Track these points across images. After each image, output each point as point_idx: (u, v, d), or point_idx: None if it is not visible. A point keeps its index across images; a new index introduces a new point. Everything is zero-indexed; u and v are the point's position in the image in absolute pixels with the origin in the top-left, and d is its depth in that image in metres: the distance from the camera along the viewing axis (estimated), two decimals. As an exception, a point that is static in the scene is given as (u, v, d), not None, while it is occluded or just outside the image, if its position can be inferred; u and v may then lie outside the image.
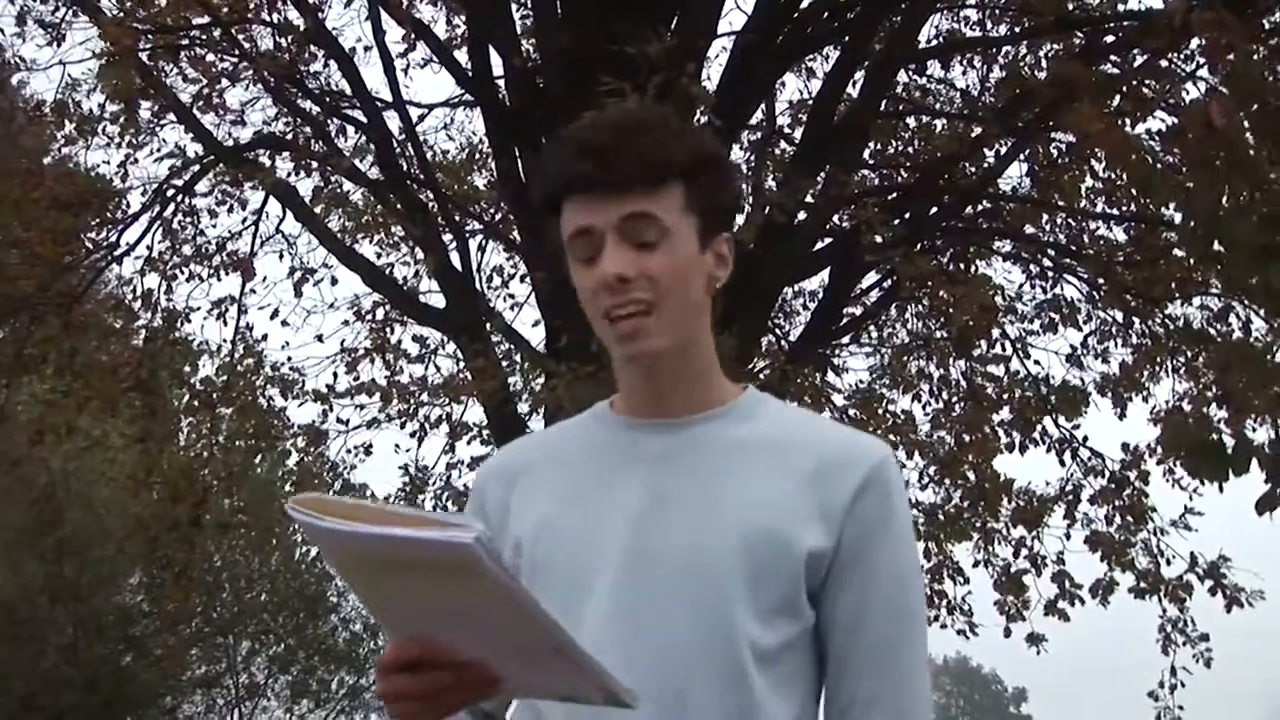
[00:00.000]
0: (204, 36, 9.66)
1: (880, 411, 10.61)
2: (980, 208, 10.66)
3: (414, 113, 10.63)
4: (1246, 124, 4.79)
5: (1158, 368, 10.94)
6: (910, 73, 10.76)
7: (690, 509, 1.73)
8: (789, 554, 1.70)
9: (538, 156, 1.79)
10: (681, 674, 1.65)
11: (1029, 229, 10.87)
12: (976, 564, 11.06)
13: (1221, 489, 5.16)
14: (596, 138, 1.71)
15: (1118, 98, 8.84)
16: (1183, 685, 10.31)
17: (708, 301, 1.81)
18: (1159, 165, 7.99)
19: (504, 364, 9.00)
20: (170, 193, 10.50)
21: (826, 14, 9.28)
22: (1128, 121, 8.69)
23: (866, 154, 10.49)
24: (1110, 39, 9.23)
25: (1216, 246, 4.90)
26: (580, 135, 1.73)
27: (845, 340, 11.24)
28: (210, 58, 9.75)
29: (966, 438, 10.62)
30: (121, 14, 9.36)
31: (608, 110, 1.82)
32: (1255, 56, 5.83)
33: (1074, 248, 10.77)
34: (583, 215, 1.72)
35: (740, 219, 9.28)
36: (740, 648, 1.67)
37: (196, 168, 10.41)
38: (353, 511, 1.34)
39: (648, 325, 1.72)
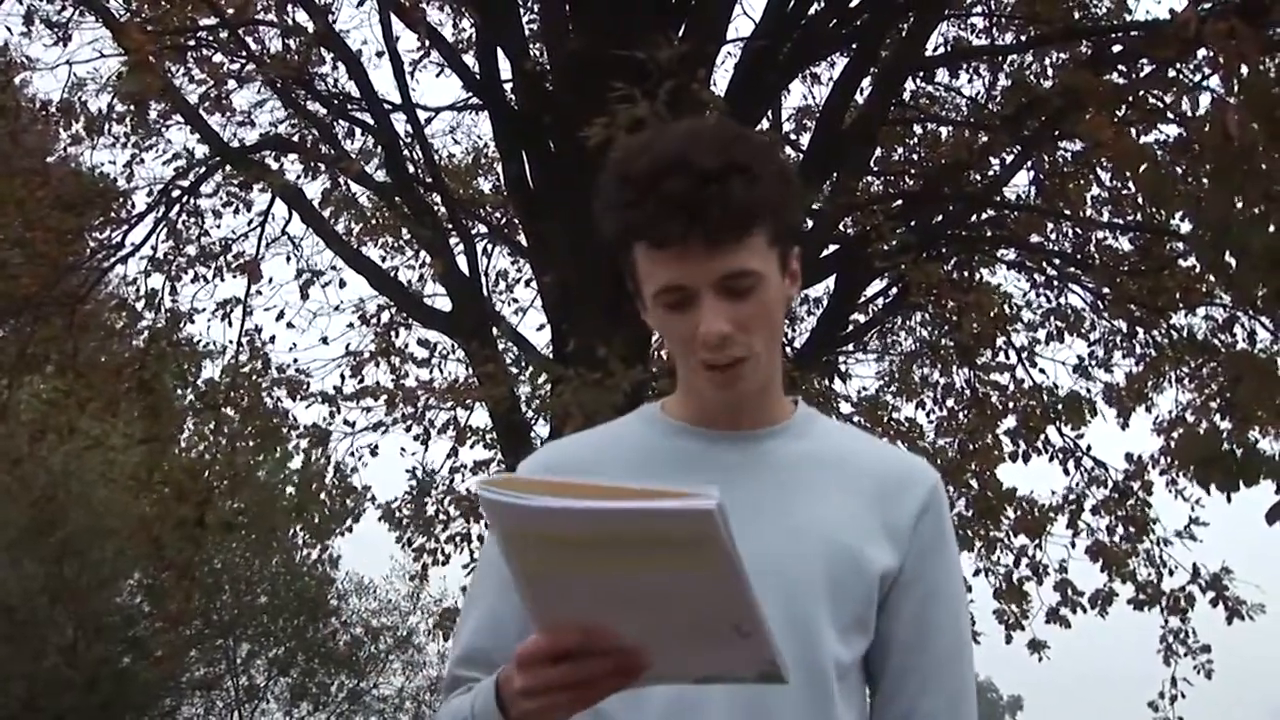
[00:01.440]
0: (211, 38, 9.66)
1: (886, 419, 10.61)
2: (986, 216, 10.65)
3: (421, 115, 10.64)
4: (1259, 134, 4.79)
5: (1162, 378, 10.95)
6: (918, 80, 10.77)
7: (774, 522, 1.72)
8: (865, 571, 1.72)
9: (599, 186, 1.72)
10: (771, 689, 1.59)
11: (1034, 238, 10.87)
12: (977, 572, 11.05)
13: (1230, 499, 5.17)
14: (681, 188, 1.58)
15: (1125, 107, 8.84)
16: (1183, 696, 10.30)
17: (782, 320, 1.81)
18: (1167, 175, 7.97)
19: (517, 372, 8.99)
20: (175, 193, 10.51)
21: (835, 21, 9.27)
22: (1135, 131, 8.69)
23: (873, 161, 10.49)
24: (1117, 48, 9.24)
25: (1227, 256, 4.91)
26: (658, 184, 1.61)
27: (850, 347, 11.23)
28: (218, 59, 9.74)
29: (971, 446, 10.62)
30: (128, 14, 9.37)
31: (663, 137, 1.71)
32: (1263, 67, 5.82)
33: (1079, 257, 10.77)
34: (674, 272, 1.64)
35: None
36: (826, 661, 1.68)
37: (202, 169, 10.41)
38: (551, 488, 1.29)
39: (743, 372, 1.69)
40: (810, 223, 8.38)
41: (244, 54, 9.61)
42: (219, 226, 11.02)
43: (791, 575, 1.69)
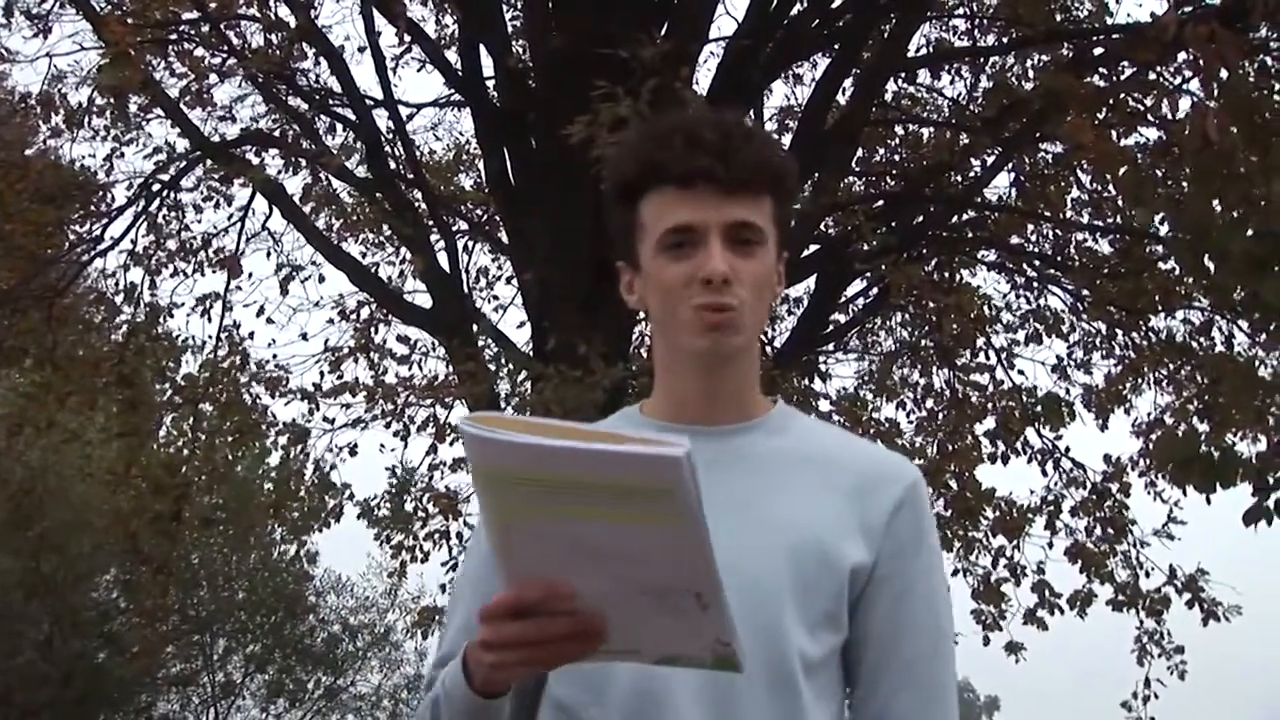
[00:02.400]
0: (193, 31, 9.62)
1: (865, 419, 10.62)
2: (967, 217, 10.68)
3: (403, 112, 10.62)
4: (1239, 138, 4.81)
5: (1140, 380, 10.99)
6: (899, 81, 10.78)
7: (739, 519, 1.73)
8: (834, 567, 1.73)
9: (621, 144, 1.77)
10: (735, 683, 1.64)
11: (1015, 239, 10.90)
12: (955, 573, 11.07)
13: (1209, 500, 5.20)
14: (709, 134, 1.71)
15: (1106, 110, 8.87)
16: (1156, 697, 10.34)
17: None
18: (1147, 177, 8.01)
19: (490, 366, 8.97)
20: (156, 187, 10.47)
21: (817, 21, 9.28)
22: (1116, 134, 8.72)
23: (855, 161, 10.50)
24: (1099, 51, 9.26)
25: (1206, 260, 4.93)
26: (687, 129, 1.74)
27: (831, 347, 11.25)
28: (199, 53, 9.71)
29: (950, 446, 10.64)
30: (109, 6, 9.33)
31: (686, 112, 1.84)
32: (1243, 70, 5.86)
33: (1059, 259, 10.81)
34: (688, 211, 1.72)
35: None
36: (791, 657, 1.69)
37: (183, 163, 10.38)
38: (529, 427, 1.32)
39: (735, 322, 1.74)
40: (792, 223, 8.39)
41: (225, 48, 9.58)
42: (199, 221, 11.01)
43: (758, 570, 1.70)
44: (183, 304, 10.81)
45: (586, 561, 1.38)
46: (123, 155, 10.56)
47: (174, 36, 9.60)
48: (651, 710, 1.67)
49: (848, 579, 1.73)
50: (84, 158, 11.01)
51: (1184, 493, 5.13)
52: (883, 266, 8.35)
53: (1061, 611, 10.35)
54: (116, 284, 11.03)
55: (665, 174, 1.73)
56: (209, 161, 10.15)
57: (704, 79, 9.39)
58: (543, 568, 1.40)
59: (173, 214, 10.88)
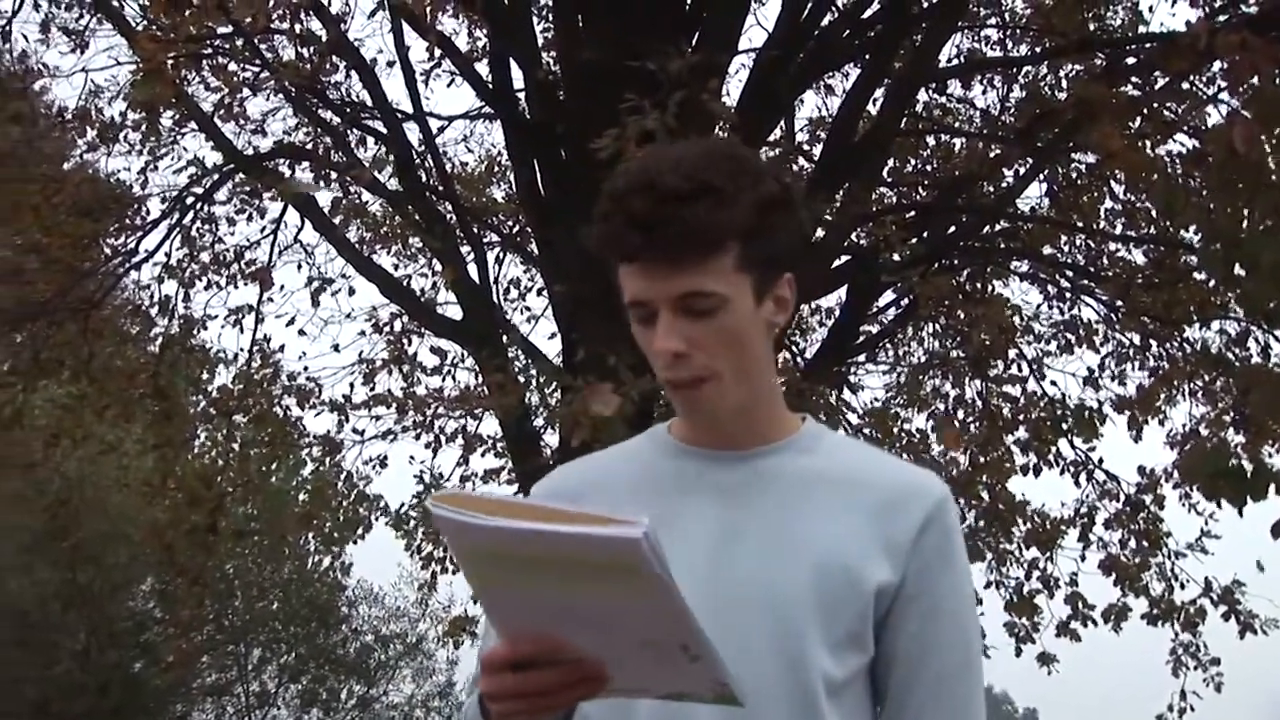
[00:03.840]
0: (227, 46, 9.69)
1: (896, 430, 10.58)
2: (999, 227, 10.64)
3: (434, 124, 10.67)
4: (1269, 147, 4.78)
5: (1175, 391, 10.91)
6: (930, 92, 10.76)
7: (763, 541, 1.74)
8: (858, 587, 1.72)
9: (604, 196, 1.75)
10: (757, 702, 1.63)
11: (1048, 249, 10.85)
12: (989, 585, 11.04)
13: (1241, 513, 5.15)
14: (643, 206, 1.63)
15: (1139, 119, 8.82)
16: (1192, 709, 10.27)
17: (770, 344, 1.81)
18: (1180, 187, 7.96)
19: (520, 378, 8.99)
20: (190, 200, 10.55)
21: (848, 32, 9.26)
22: (1149, 143, 8.68)
23: (885, 172, 10.48)
24: (1132, 60, 9.22)
25: (1238, 270, 4.90)
26: (623, 201, 1.66)
27: (862, 358, 11.22)
28: (232, 67, 9.79)
29: (981, 458, 10.59)
30: (146, 22, 9.40)
31: (659, 153, 1.74)
32: (1278, 79, 5.81)
33: (1092, 269, 10.74)
34: (637, 286, 1.69)
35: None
36: (814, 679, 1.68)
37: (216, 176, 10.45)
38: (495, 507, 1.34)
39: (705, 393, 1.73)
40: (821, 233, 8.37)
41: (258, 62, 9.65)
42: (233, 234, 11.09)
43: (780, 593, 1.70)
44: (215, 316, 10.90)
45: (573, 621, 1.40)
46: (156, 169, 10.65)
47: (208, 51, 9.68)
48: None
49: (873, 599, 1.72)
50: (119, 171, 11.13)
51: (1218, 505, 5.06)
52: (914, 278, 8.32)
53: (1095, 624, 10.29)
54: (151, 296, 11.14)
55: (606, 250, 1.71)
56: (241, 175, 10.22)
57: (736, 90, 9.41)
58: (533, 623, 1.43)
59: (206, 227, 10.97)
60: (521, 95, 9.28)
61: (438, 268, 10.42)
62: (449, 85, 10.84)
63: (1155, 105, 8.95)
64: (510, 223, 11.58)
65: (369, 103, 9.71)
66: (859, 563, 1.72)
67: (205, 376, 11.42)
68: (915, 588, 1.75)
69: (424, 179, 9.72)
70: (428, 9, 7.64)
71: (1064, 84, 10.21)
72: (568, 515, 1.32)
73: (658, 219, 1.63)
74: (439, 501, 1.35)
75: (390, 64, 10.02)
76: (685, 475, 1.82)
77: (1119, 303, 10.22)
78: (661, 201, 1.63)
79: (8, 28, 9.83)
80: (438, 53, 9.39)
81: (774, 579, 1.71)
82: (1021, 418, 10.64)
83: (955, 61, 10.81)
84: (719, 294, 1.67)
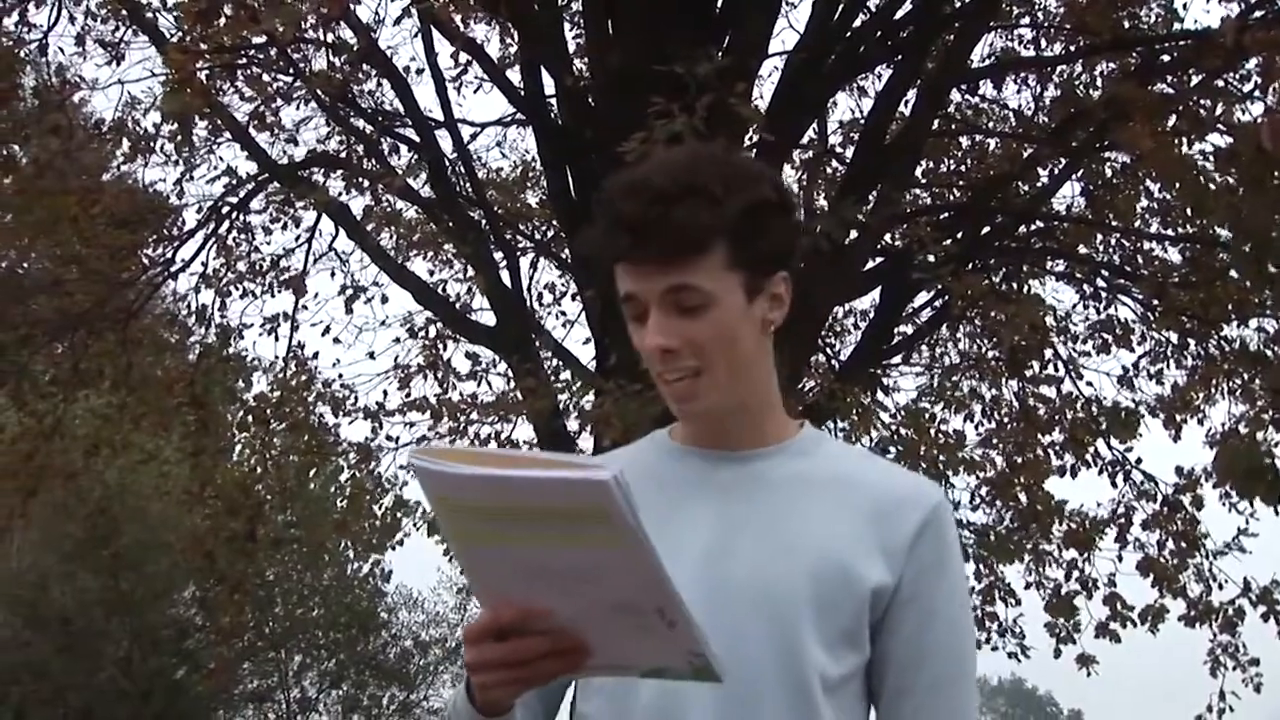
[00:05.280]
0: (260, 56, 9.75)
1: (932, 432, 10.52)
2: (1034, 227, 10.59)
3: (467, 131, 10.70)
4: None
5: (1214, 390, 10.82)
6: (963, 92, 10.71)
7: (760, 540, 1.76)
8: (855, 587, 1.73)
9: (595, 201, 1.79)
10: (754, 698, 1.67)
11: (1083, 249, 10.79)
12: (1028, 586, 10.99)
13: (1277, 512, 5.12)
14: (630, 208, 1.68)
15: (1174, 117, 8.76)
16: (1231, 710, 10.19)
17: (765, 343, 1.82)
18: (1213, 185, 7.90)
19: (553, 382, 9.01)
20: (225, 210, 10.62)
21: (880, 33, 9.24)
22: (1184, 141, 8.61)
23: (919, 173, 10.45)
24: (1166, 58, 9.15)
25: (1270, 268, 4.86)
26: (612, 204, 1.71)
27: (896, 360, 11.18)
28: (265, 77, 9.84)
29: (1018, 459, 10.54)
30: (180, 33, 9.47)
31: (654, 158, 1.79)
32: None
33: (1128, 268, 10.68)
34: (628, 283, 1.73)
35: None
36: (810, 676, 1.70)
37: (251, 185, 10.52)
38: (475, 458, 1.35)
39: (697, 388, 1.75)
40: (854, 234, 8.34)
41: (291, 71, 9.70)
42: (269, 243, 11.15)
43: (777, 590, 1.71)
44: (251, 324, 10.97)
45: (550, 583, 1.41)
46: (192, 179, 10.73)
47: (242, 61, 9.74)
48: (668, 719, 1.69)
49: (868, 600, 1.73)
50: (156, 183, 11.22)
51: (1250, 504, 5.02)
52: (948, 279, 8.29)
53: (1134, 624, 10.23)
54: (188, 306, 11.22)
55: (595, 252, 1.76)
56: (275, 184, 10.28)
57: (768, 92, 9.41)
58: (513, 590, 1.43)
59: (242, 236, 11.04)
60: (553, 101, 9.31)
61: (472, 274, 10.44)
62: (475, 91, 10.87)
63: (1189, 103, 8.89)
64: (544, 228, 11.61)
65: (401, 111, 9.75)
66: (855, 563, 1.73)
67: (241, 385, 11.49)
68: (911, 592, 1.76)
69: (456, 185, 9.75)
70: (454, 15, 7.66)
71: (1098, 83, 10.15)
72: (540, 461, 1.33)
73: (645, 220, 1.67)
74: (418, 454, 1.36)
75: (419, 71, 10.06)
76: (685, 476, 1.85)
77: (1155, 301, 10.15)
78: (650, 203, 1.68)
79: (44, 41, 9.91)
80: (464, 58, 9.41)
81: (771, 577, 1.72)
82: (1057, 419, 10.58)
83: (989, 61, 10.77)
84: (705, 290, 1.71)
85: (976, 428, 11.18)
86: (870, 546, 1.75)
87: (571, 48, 9.54)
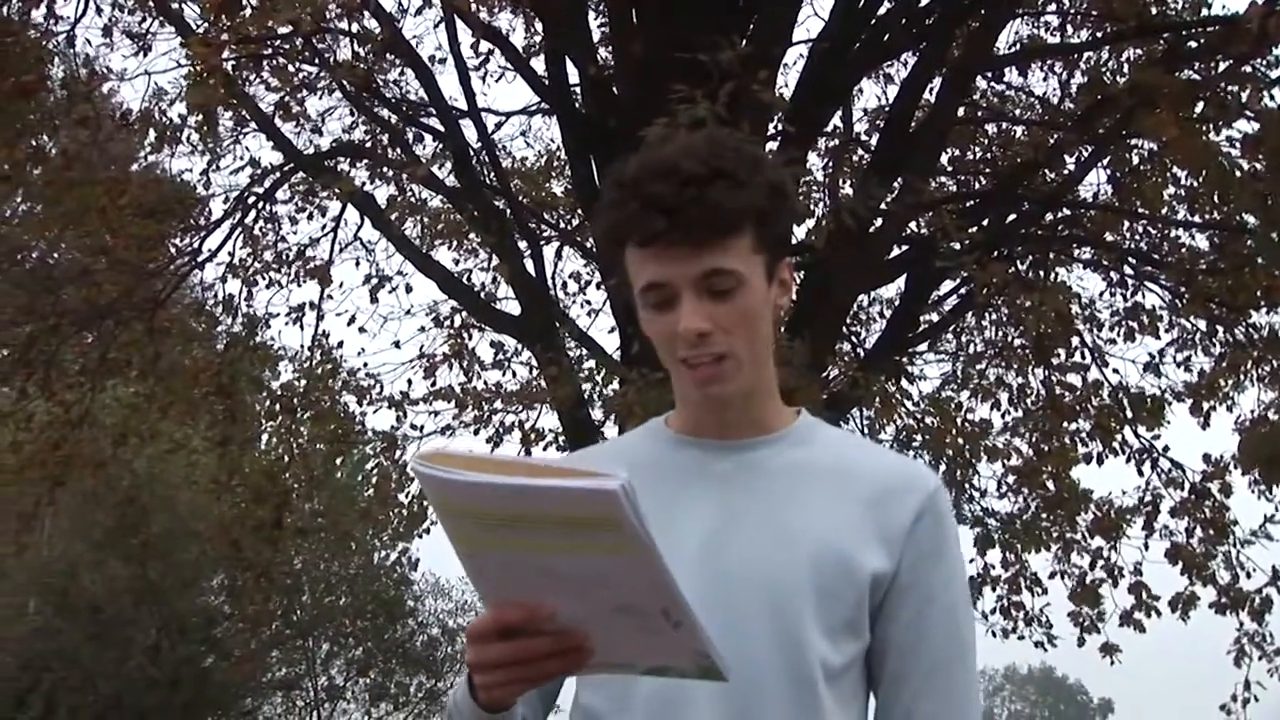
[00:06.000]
0: (286, 46, 9.77)
1: (958, 420, 10.49)
2: (1061, 214, 10.54)
3: (492, 120, 10.71)
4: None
5: (1243, 377, 10.76)
6: (988, 80, 10.67)
7: (760, 530, 1.76)
8: (855, 575, 1.74)
9: (602, 186, 1.77)
10: (756, 689, 1.68)
11: (1110, 236, 10.74)
12: (1054, 574, 10.95)
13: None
14: (665, 190, 1.68)
15: (1201, 104, 8.70)
16: (1256, 699, 10.15)
17: (773, 329, 1.84)
18: (1239, 172, 7.84)
19: (577, 370, 9.01)
20: (251, 200, 10.66)
21: (904, 20, 9.21)
22: (1210, 128, 8.56)
23: (945, 160, 10.41)
24: (1193, 44, 9.09)
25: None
26: (642, 185, 1.70)
27: (922, 348, 11.15)
28: (290, 67, 9.86)
29: (1045, 447, 10.51)
30: (206, 25, 9.50)
31: (668, 143, 1.78)
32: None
33: (1155, 255, 10.62)
34: (656, 270, 1.72)
35: (810, 223, 9.26)
36: (812, 664, 1.71)
37: (277, 175, 10.55)
38: (478, 464, 1.34)
39: (724, 370, 1.75)
40: (879, 222, 8.33)
41: (316, 61, 9.72)
42: (295, 232, 11.19)
43: (778, 579, 1.72)
44: (278, 314, 11.01)
45: (555, 585, 1.40)
46: (218, 169, 10.77)
47: (268, 52, 9.76)
48: (673, 715, 1.69)
49: (868, 587, 1.74)
50: (183, 173, 11.27)
51: (1272, 490, 4.99)
52: (973, 266, 8.26)
53: (1159, 613, 10.19)
54: (215, 295, 11.27)
55: (626, 234, 1.73)
56: (302, 173, 10.31)
57: (793, 79, 9.39)
58: (517, 591, 1.43)
59: (268, 225, 11.08)
60: (577, 90, 9.31)
61: (497, 263, 10.47)
62: (498, 80, 10.90)
63: (1216, 89, 8.82)
64: (570, 217, 11.62)
65: (425, 100, 9.77)
66: (854, 551, 1.74)
67: (268, 374, 11.54)
68: (909, 578, 1.77)
69: (480, 175, 9.76)
70: (475, 4, 7.66)
71: (1125, 69, 10.10)
72: (547, 470, 1.32)
73: (680, 202, 1.67)
74: (422, 460, 1.35)
75: (442, 60, 10.08)
76: (682, 465, 1.85)
77: (1182, 288, 10.09)
78: (684, 185, 1.67)
79: (72, 33, 9.95)
80: (486, 47, 9.41)
81: (771, 566, 1.73)
82: (1083, 406, 10.53)
83: (1015, 48, 10.72)
84: (739, 273, 1.72)
85: (1003, 416, 11.17)
86: (869, 534, 1.76)
87: (596, 36, 9.54)
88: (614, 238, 1.75)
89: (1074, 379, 10.53)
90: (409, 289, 10.89)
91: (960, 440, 9.89)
